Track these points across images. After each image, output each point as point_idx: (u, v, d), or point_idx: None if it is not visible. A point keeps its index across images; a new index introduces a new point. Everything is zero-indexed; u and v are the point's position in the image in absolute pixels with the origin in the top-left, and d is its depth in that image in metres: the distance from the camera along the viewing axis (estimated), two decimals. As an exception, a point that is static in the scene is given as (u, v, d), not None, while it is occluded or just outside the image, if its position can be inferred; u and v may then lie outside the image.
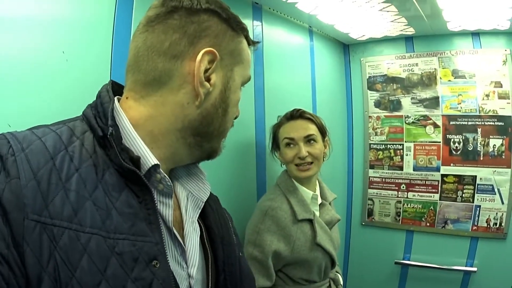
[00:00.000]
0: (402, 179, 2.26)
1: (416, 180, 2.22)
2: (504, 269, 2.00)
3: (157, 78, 0.60)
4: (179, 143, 0.63)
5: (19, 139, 0.52)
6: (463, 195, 2.11)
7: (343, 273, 2.10)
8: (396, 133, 2.28)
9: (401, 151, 2.26)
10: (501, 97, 2.04)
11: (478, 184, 2.08)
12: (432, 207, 2.18)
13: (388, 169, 2.30)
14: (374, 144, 2.34)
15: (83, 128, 0.58)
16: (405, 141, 2.26)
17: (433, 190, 2.18)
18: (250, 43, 0.70)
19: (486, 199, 2.06)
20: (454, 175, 2.13)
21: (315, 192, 1.49)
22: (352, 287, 2.32)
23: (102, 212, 0.52)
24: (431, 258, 2.15)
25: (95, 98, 0.63)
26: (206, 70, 0.61)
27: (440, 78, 2.17)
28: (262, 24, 1.72)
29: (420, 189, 2.21)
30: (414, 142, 2.23)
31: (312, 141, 1.45)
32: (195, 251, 0.64)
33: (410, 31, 2.10)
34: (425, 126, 2.21)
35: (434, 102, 2.18)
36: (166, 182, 0.60)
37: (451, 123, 2.15)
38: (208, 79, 0.61)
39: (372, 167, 2.35)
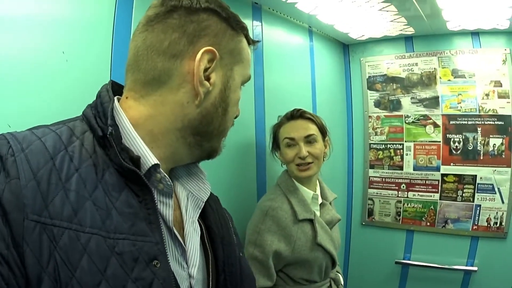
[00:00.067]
0: (402, 178, 2.26)
1: (416, 179, 2.22)
2: (505, 268, 2.00)
3: (156, 78, 0.60)
4: (179, 142, 0.63)
5: (19, 140, 0.52)
6: (463, 194, 2.11)
7: (344, 273, 2.10)
8: (396, 133, 2.28)
9: (401, 150, 2.26)
10: (501, 96, 2.04)
11: (478, 184, 2.08)
12: (432, 207, 2.18)
13: (388, 169, 2.30)
14: (374, 144, 2.34)
15: (83, 128, 0.58)
16: (405, 141, 2.26)
17: (433, 190, 2.18)
18: (250, 42, 0.69)
19: (486, 198, 2.06)
20: (454, 175, 2.13)
21: (315, 192, 1.49)
22: (352, 287, 2.32)
23: (102, 212, 0.51)
24: (431, 257, 2.15)
25: (95, 98, 0.63)
26: (205, 69, 0.61)
27: (440, 77, 2.17)
28: (261, 24, 1.72)
29: (420, 189, 2.21)
30: (414, 141, 2.23)
31: (312, 141, 1.45)
32: (195, 251, 0.64)
33: (410, 30, 2.10)
34: (425, 126, 2.21)
35: (434, 102, 2.18)
36: (166, 181, 0.60)
37: (451, 122, 2.15)
38: (207, 78, 0.61)
39: (372, 167, 2.35)
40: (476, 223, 2.08)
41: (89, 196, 0.51)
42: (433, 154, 2.18)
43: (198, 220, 0.69)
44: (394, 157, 2.28)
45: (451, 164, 2.14)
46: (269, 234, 1.33)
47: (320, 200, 1.50)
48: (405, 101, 2.25)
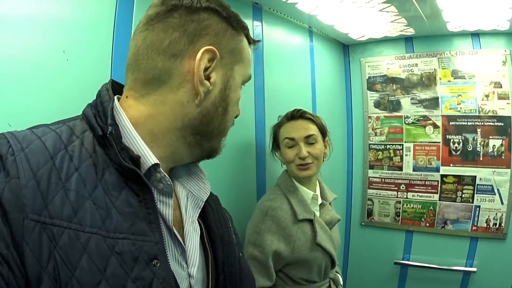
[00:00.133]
0: (401, 179, 2.26)
1: (415, 180, 2.22)
2: (504, 269, 2.00)
3: (156, 77, 0.60)
4: (179, 142, 0.63)
5: (19, 139, 0.52)
6: (463, 195, 2.11)
7: (343, 273, 2.10)
8: (395, 134, 2.28)
9: (401, 151, 2.26)
10: (500, 97, 2.05)
11: (477, 185, 2.08)
12: (431, 208, 2.18)
13: (387, 170, 2.30)
14: (374, 144, 2.34)
15: (83, 127, 0.58)
16: (405, 142, 2.26)
17: (433, 191, 2.18)
18: (251, 41, 0.69)
19: (485, 199, 2.06)
20: (454, 176, 2.13)
21: (315, 192, 1.49)
22: (351, 287, 2.32)
23: (102, 211, 0.51)
24: (430, 258, 2.15)
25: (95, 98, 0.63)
26: (206, 69, 0.61)
27: (440, 78, 2.17)
28: (262, 24, 1.72)
29: (420, 190, 2.21)
30: (413, 142, 2.24)
31: (312, 141, 1.45)
32: (195, 250, 0.64)
33: (410, 31, 2.11)
34: (424, 127, 2.21)
35: (433, 103, 2.19)
36: (166, 181, 0.60)
37: (451, 123, 2.15)
38: (208, 78, 0.61)
39: (371, 167, 2.35)
40: (475, 224, 2.08)
41: (89, 196, 0.51)
42: (432, 155, 2.18)
43: (198, 219, 0.69)
44: (393, 158, 2.28)
45: (451, 165, 2.14)
46: (269, 234, 1.33)
47: (320, 200, 1.50)
48: (405, 101, 2.25)
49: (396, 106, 2.28)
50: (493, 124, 2.06)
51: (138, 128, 0.59)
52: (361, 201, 2.38)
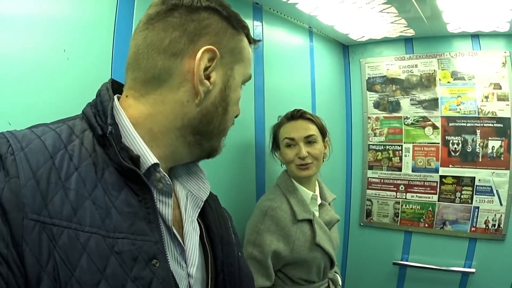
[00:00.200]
0: (400, 180, 2.26)
1: (414, 181, 2.23)
2: (503, 270, 2.00)
3: (156, 76, 0.60)
4: (178, 141, 0.63)
5: (19, 138, 0.52)
6: (462, 196, 2.11)
7: (342, 273, 2.09)
8: (395, 134, 2.28)
9: (400, 152, 2.27)
10: (500, 99, 2.05)
11: (476, 186, 2.08)
12: (430, 208, 2.18)
13: (386, 170, 2.30)
14: (373, 145, 2.34)
15: (83, 127, 0.58)
16: (404, 142, 2.26)
17: (432, 191, 2.18)
18: (251, 41, 0.69)
19: (484, 200, 2.06)
20: (453, 176, 2.13)
21: (314, 192, 1.49)
22: (350, 287, 2.33)
23: (102, 211, 0.51)
24: (429, 259, 2.15)
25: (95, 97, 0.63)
26: (206, 68, 0.60)
27: (440, 79, 2.17)
28: (262, 24, 1.72)
29: (419, 190, 2.22)
30: (413, 143, 2.24)
31: (312, 142, 1.45)
32: (194, 250, 0.64)
33: (410, 32, 2.11)
34: (424, 127, 2.21)
35: (433, 104, 2.19)
36: (165, 181, 0.60)
37: (450, 124, 2.15)
38: (208, 77, 0.61)
39: (371, 168, 2.35)
40: (474, 225, 2.08)
41: (89, 195, 0.51)
42: (432, 155, 2.18)
43: (197, 219, 0.69)
44: (392, 158, 2.28)
45: (450, 166, 2.14)
46: (268, 234, 1.33)
47: (319, 201, 1.50)
48: (405, 102, 2.26)
49: (396, 107, 2.28)
50: (492, 125, 2.06)
51: (137, 127, 0.59)
52: (360, 202, 2.38)
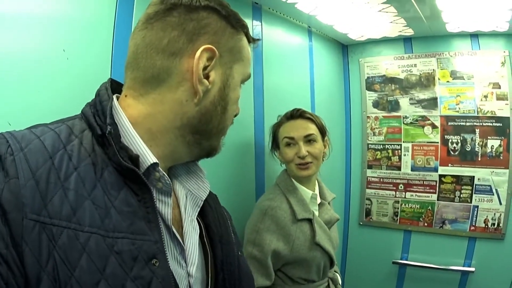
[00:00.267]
0: (400, 179, 2.27)
1: (414, 180, 2.23)
2: (502, 269, 2.00)
3: (155, 76, 0.60)
4: (178, 141, 0.63)
5: (18, 138, 0.52)
6: (461, 195, 2.11)
7: (341, 273, 2.09)
8: (394, 134, 2.29)
9: (399, 151, 2.27)
10: (499, 98, 2.05)
11: (476, 185, 2.08)
12: (430, 207, 2.19)
13: (386, 169, 2.30)
14: (372, 144, 2.34)
15: (82, 127, 0.58)
16: (403, 142, 2.26)
17: (431, 190, 2.19)
18: (250, 40, 0.69)
19: (484, 199, 2.07)
20: (452, 176, 2.14)
21: (314, 191, 1.49)
22: (350, 287, 2.32)
23: (101, 211, 0.51)
24: (429, 258, 2.15)
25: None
26: (205, 68, 0.60)
27: (439, 79, 2.17)
28: (261, 24, 1.72)
29: (418, 189, 2.22)
30: (412, 142, 2.24)
31: (312, 141, 1.45)
32: (194, 249, 0.64)
33: (409, 32, 2.11)
34: (423, 127, 2.21)
35: (432, 103, 2.19)
36: (165, 180, 0.60)
37: (449, 123, 2.15)
38: (207, 77, 0.61)
39: (370, 167, 2.35)
40: (473, 224, 2.08)
41: (88, 195, 0.51)
42: (431, 155, 2.19)
43: (197, 218, 0.69)
44: (392, 158, 2.29)
45: (449, 165, 2.15)
46: (268, 234, 1.34)
47: (319, 200, 1.50)
48: (404, 102, 2.26)
49: (395, 106, 2.28)
50: (491, 124, 2.07)
51: (137, 127, 0.59)
52: (359, 201, 2.38)
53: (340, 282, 1.58)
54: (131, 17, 1.10)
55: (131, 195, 0.55)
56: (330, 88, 2.31)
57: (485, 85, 2.07)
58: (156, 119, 0.61)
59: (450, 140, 2.14)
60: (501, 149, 2.04)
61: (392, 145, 2.29)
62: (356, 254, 2.40)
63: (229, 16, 0.64)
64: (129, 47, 0.63)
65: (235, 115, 0.70)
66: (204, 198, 0.70)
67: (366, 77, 2.36)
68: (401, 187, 2.26)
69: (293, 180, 1.47)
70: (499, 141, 2.05)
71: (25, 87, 0.87)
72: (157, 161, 0.58)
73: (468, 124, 2.11)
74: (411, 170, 2.23)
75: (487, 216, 2.06)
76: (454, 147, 2.13)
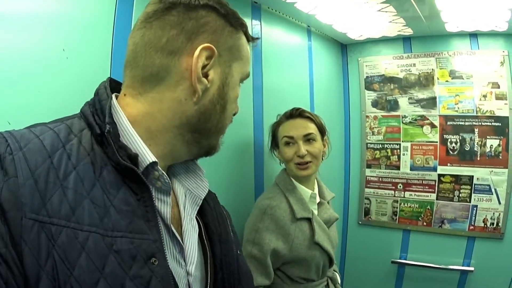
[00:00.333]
0: (399, 178, 2.27)
1: (413, 179, 2.23)
2: (501, 269, 2.01)
3: (154, 74, 0.60)
4: (177, 140, 0.63)
5: (17, 138, 0.52)
6: (460, 195, 2.12)
7: (340, 272, 2.10)
8: (393, 133, 2.29)
9: (398, 150, 2.27)
10: (498, 98, 2.05)
11: (475, 184, 2.09)
12: (429, 207, 2.19)
13: (385, 169, 2.30)
14: (371, 143, 2.35)
15: (81, 126, 0.58)
16: (402, 141, 2.26)
17: (430, 190, 2.19)
18: (250, 39, 0.69)
19: (483, 199, 2.07)
20: (451, 175, 2.14)
21: (313, 191, 1.49)
22: (349, 286, 2.32)
23: (100, 210, 0.51)
24: (428, 257, 2.16)
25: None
26: (204, 66, 0.60)
27: (438, 78, 2.17)
28: (261, 24, 1.72)
29: (417, 189, 2.22)
30: (411, 142, 2.24)
31: (311, 140, 1.45)
32: (193, 248, 0.64)
33: (408, 31, 2.11)
34: (422, 126, 2.21)
35: (431, 102, 2.19)
36: (164, 179, 0.60)
37: (448, 123, 2.15)
38: (206, 75, 0.61)
39: (369, 166, 2.36)
40: (472, 223, 2.09)
41: (87, 194, 0.51)
42: (430, 154, 2.19)
43: (196, 217, 0.69)
44: (391, 157, 2.29)
45: (448, 164, 2.15)
46: (267, 233, 1.34)
47: (318, 199, 1.50)
48: (403, 101, 2.26)
49: (394, 105, 2.28)
50: (490, 124, 2.07)
51: (136, 126, 0.59)
52: (358, 200, 2.39)
53: (339, 282, 1.58)
54: (130, 16, 1.10)
55: (130, 194, 0.55)
56: (329, 88, 2.31)
57: (484, 84, 2.07)
58: (155, 118, 0.61)
59: (449, 140, 2.15)
60: (500, 148, 2.05)
61: (391, 145, 2.29)
62: (355, 254, 2.40)
63: (228, 14, 0.64)
64: (128, 46, 0.63)
65: (234, 114, 0.70)
66: (203, 197, 0.70)
67: (365, 77, 2.36)
68: (400, 186, 2.26)
69: (293, 179, 1.47)
70: (498, 140, 2.05)
71: (25, 87, 0.87)
72: (156, 160, 0.58)
73: (467, 123, 2.11)
74: (410, 170, 2.23)
75: (486, 216, 2.06)
76: (453, 147, 2.14)
